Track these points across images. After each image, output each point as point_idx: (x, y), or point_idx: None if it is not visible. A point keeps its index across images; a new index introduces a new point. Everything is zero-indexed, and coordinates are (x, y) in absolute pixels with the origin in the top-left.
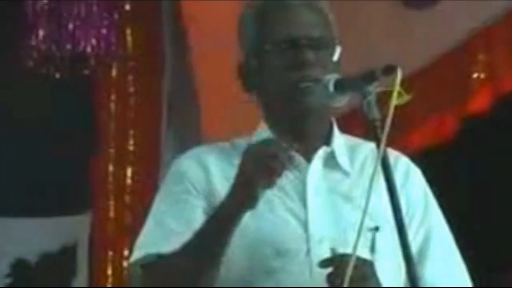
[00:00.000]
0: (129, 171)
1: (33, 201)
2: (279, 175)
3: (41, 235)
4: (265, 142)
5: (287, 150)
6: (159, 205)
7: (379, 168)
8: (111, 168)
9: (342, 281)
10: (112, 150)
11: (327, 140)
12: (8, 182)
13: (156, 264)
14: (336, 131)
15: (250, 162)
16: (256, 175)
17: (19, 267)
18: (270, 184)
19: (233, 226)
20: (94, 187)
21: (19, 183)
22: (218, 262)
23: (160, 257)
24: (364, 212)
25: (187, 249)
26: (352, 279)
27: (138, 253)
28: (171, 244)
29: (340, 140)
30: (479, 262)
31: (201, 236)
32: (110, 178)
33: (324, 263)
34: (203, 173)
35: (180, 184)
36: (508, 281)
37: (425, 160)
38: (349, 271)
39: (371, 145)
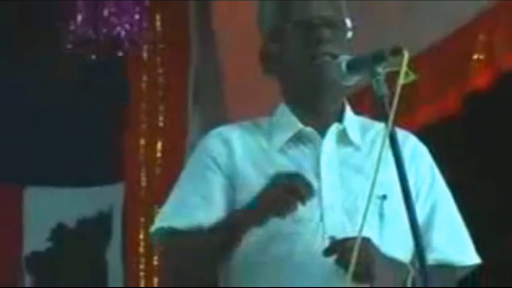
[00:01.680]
0: (158, 145)
1: (73, 173)
2: (294, 209)
3: (79, 203)
4: (291, 176)
5: (309, 187)
6: (181, 180)
7: (387, 142)
8: (142, 142)
9: (348, 264)
10: (143, 126)
11: (339, 117)
12: (51, 156)
13: (167, 238)
14: (348, 109)
15: (273, 191)
16: (273, 205)
17: (58, 231)
18: (281, 216)
19: (241, 232)
20: (127, 159)
21: (60, 156)
22: (222, 257)
23: (171, 230)
24: (374, 181)
25: (197, 240)
26: (358, 261)
27: (154, 225)
28: (183, 218)
29: (351, 118)
30: (482, 228)
31: (212, 232)
32: (142, 151)
33: (327, 252)
34: (226, 150)
35: (201, 161)
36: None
37: (430, 133)
38: (355, 254)
39: (381, 125)
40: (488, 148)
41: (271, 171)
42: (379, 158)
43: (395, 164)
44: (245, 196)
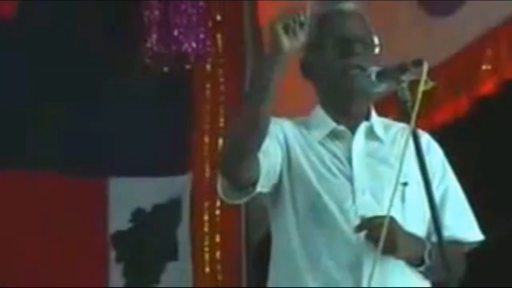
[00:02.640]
0: (220, 142)
1: (150, 166)
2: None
3: (154, 191)
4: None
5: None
6: None
7: (411, 138)
8: (206, 139)
9: (378, 238)
10: (207, 126)
11: (367, 117)
12: (132, 152)
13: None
14: (373, 111)
15: (279, 25)
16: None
17: (138, 214)
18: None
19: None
20: (194, 154)
21: (140, 152)
22: (266, 99)
23: None
24: (399, 171)
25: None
26: (385, 236)
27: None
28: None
29: (376, 118)
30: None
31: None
32: (205, 147)
33: (357, 229)
34: (282, 134)
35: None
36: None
37: (444, 132)
38: (384, 230)
39: (401, 124)
40: (493, 144)
41: (314, 157)
42: (404, 151)
43: (417, 157)
44: (295, 172)
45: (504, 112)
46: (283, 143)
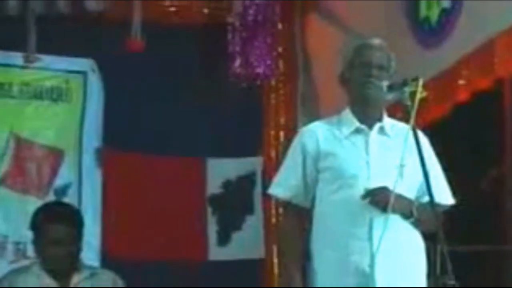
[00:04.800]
0: (281, 134)
1: (235, 149)
2: None
3: (238, 166)
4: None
5: None
6: (286, 159)
7: (410, 132)
8: (272, 132)
9: (378, 202)
10: (272, 123)
11: (380, 118)
12: (223, 140)
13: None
14: (384, 115)
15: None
16: None
17: (226, 183)
18: None
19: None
20: (263, 142)
21: (228, 140)
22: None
23: (276, 198)
24: (402, 156)
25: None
26: (384, 199)
27: (270, 188)
28: (282, 187)
29: (386, 119)
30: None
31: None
32: (271, 138)
33: (363, 197)
34: (313, 138)
35: (297, 149)
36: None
37: (432, 128)
38: (392, 198)
39: (402, 124)
40: (466, 137)
41: (340, 150)
42: (405, 143)
43: (416, 145)
44: (325, 163)
45: (473, 114)
46: (313, 150)
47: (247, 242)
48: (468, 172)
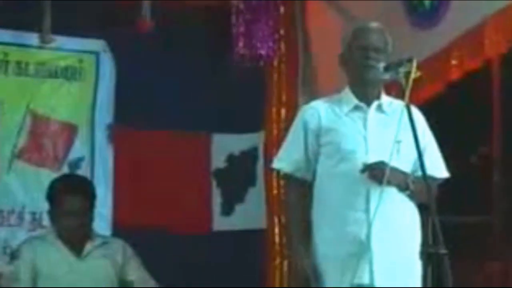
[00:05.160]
0: (283, 111)
1: (238, 125)
2: None
3: (241, 141)
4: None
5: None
6: (289, 135)
7: (405, 109)
8: (273, 109)
9: (375, 176)
10: (274, 100)
11: (378, 97)
12: (227, 116)
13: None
14: (382, 93)
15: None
16: None
17: (230, 157)
18: None
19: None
20: (265, 118)
21: (231, 117)
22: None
23: (280, 172)
24: (397, 133)
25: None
26: (382, 173)
27: (274, 162)
28: (285, 161)
29: (385, 98)
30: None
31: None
32: (273, 114)
33: (361, 171)
34: (315, 115)
35: (299, 125)
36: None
37: (426, 105)
38: (388, 171)
39: (398, 101)
40: (457, 112)
41: (340, 124)
42: (399, 120)
43: (409, 122)
44: (326, 138)
45: (465, 92)
46: (315, 126)
47: (249, 213)
48: (459, 147)
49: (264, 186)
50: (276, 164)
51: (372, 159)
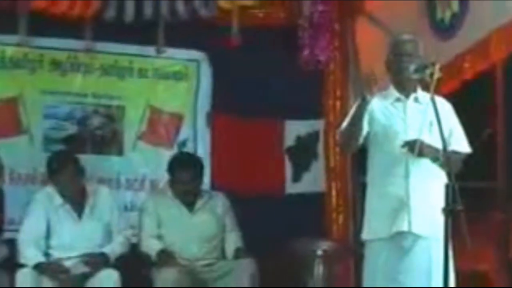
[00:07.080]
0: (337, 103)
1: (305, 113)
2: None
3: (306, 126)
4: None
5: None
6: (350, 114)
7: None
8: (330, 102)
9: (414, 150)
10: (331, 93)
11: (414, 90)
12: (297, 106)
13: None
14: (418, 88)
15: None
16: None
17: (298, 138)
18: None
19: (361, 110)
20: (325, 108)
21: (301, 107)
22: (358, 127)
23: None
24: (438, 119)
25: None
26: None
27: (337, 134)
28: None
29: (420, 92)
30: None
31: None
32: (330, 105)
33: (403, 145)
34: (370, 105)
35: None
36: None
37: (448, 97)
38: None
39: (429, 94)
40: (471, 104)
41: (386, 111)
42: (435, 108)
43: (434, 110)
44: (376, 121)
45: (476, 88)
46: (370, 109)
47: (313, 180)
48: (470, 129)
49: (324, 160)
50: (340, 130)
51: (410, 137)
